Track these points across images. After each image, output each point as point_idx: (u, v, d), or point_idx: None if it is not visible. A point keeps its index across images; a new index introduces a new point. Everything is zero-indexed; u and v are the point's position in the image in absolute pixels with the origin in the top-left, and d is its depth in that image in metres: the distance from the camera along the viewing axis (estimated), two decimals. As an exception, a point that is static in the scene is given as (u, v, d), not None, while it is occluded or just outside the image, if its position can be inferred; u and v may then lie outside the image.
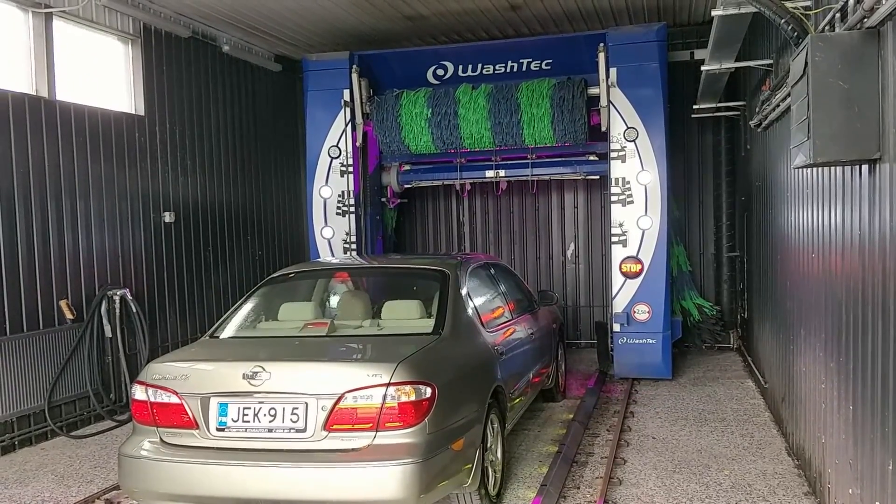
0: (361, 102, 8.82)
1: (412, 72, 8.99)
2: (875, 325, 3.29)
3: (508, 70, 8.92)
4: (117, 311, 7.30)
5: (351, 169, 8.87)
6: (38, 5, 6.76)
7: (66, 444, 6.62)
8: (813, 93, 3.27)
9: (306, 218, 9.29)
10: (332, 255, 8.93)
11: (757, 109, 6.61)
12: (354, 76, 8.75)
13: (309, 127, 9.04)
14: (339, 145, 8.87)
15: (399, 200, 10.06)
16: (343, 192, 8.92)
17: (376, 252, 9.43)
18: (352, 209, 8.93)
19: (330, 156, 8.89)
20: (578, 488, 5.09)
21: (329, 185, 8.94)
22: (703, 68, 7.17)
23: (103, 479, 5.63)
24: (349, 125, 8.84)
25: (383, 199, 9.75)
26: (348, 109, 8.82)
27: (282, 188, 10.56)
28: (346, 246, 8.95)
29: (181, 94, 8.60)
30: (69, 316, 6.91)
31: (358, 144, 8.91)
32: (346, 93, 8.80)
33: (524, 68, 8.86)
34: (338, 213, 8.97)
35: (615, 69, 7.97)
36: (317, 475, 3.89)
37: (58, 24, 7.03)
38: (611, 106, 8.01)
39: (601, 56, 7.92)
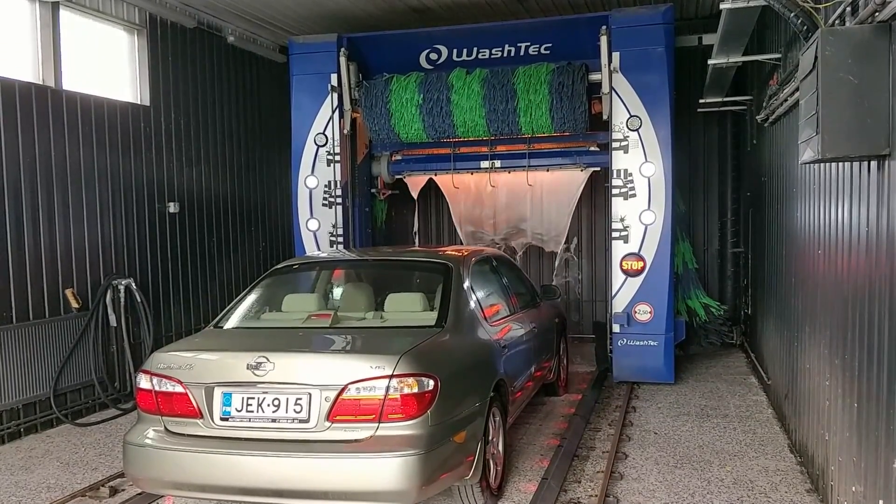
0: (349, 87, 8.34)
1: (404, 56, 8.52)
2: (881, 323, 3.28)
3: (506, 54, 8.41)
4: (122, 300, 7.34)
5: (338, 158, 8.38)
6: (44, -6, 6.77)
7: (72, 431, 6.65)
8: (822, 87, 3.25)
9: (291, 209, 8.82)
10: (318, 249, 8.47)
11: (764, 104, 6.58)
12: (342, 59, 8.26)
13: (294, 113, 8.52)
14: (326, 133, 8.37)
15: (390, 192, 9.52)
16: (329, 182, 8.42)
17: (360, 246, 8.91)
18: (338, 200, 8.45)
19: (316, 144, 8.40)
20: (580, 482, 5.10)
21: (315, 175, 8.44)
22: (710, 62, 7.10)
23: (108, 467, 5.67)
24: (336, 111, 8.35)
25: (373, 191, 9.28)
26: (336, 95, 8.33)
27: (286, 180, 10.52)
28: (333, 239, 8.47)
29: (186, 84, 8.59)
30: (74, 305, 6.94)
31: (345, 132, 8.44)
32: (334, 77, 8.30)
33: (522, 53, 8.37)
34: (324, 205, 8.47)
35: (618, 53, 7.47)
36: (319, 465, 3.90)
37: (64, 14, 7.03)
38: (613, 93, 7.52)
39: (603, 39, 7.41)
